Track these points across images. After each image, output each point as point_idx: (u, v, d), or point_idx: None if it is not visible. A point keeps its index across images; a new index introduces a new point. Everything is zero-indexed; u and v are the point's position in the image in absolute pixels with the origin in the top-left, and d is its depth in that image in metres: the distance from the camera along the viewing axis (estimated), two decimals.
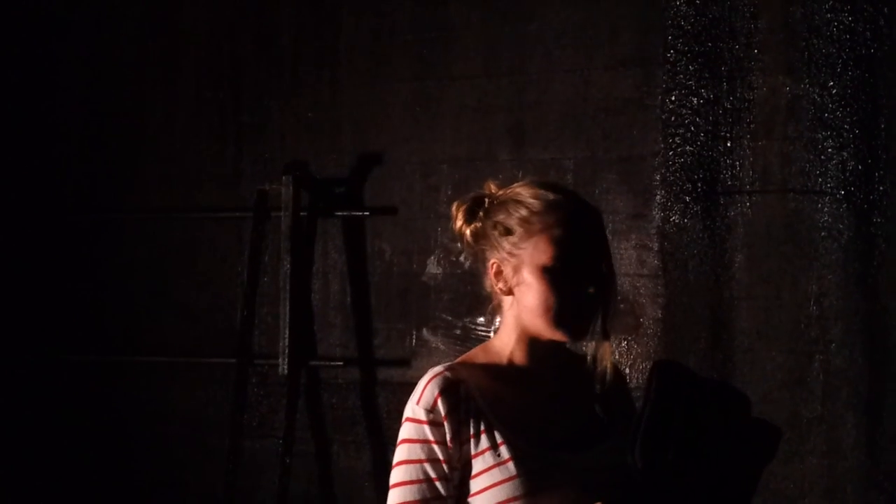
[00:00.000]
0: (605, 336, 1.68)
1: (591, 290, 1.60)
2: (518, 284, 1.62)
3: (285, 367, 3.16)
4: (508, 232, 1.63)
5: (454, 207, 1.71)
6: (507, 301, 1.66)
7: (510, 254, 1.62)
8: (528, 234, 1.61)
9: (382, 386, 3.24)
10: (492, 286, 1.68)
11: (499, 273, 1.65)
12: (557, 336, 1.62)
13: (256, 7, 3.41)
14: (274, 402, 3.31)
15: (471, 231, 1.69)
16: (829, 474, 2.84)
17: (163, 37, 3.49)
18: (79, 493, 3.45)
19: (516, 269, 1.62)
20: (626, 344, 3.00)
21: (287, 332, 3.16)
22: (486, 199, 1.69)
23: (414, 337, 3.22)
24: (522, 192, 1.65)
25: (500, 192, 1.69)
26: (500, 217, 1.65)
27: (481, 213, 1.68)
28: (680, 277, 2.97)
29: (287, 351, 3.16)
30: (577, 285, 1.59)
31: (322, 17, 3.34)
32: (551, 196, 1.63)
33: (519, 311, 1.64)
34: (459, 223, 1.70)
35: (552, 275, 1.59)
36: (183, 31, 3.47)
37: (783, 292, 2.89)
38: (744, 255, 2.93)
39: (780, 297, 2.89)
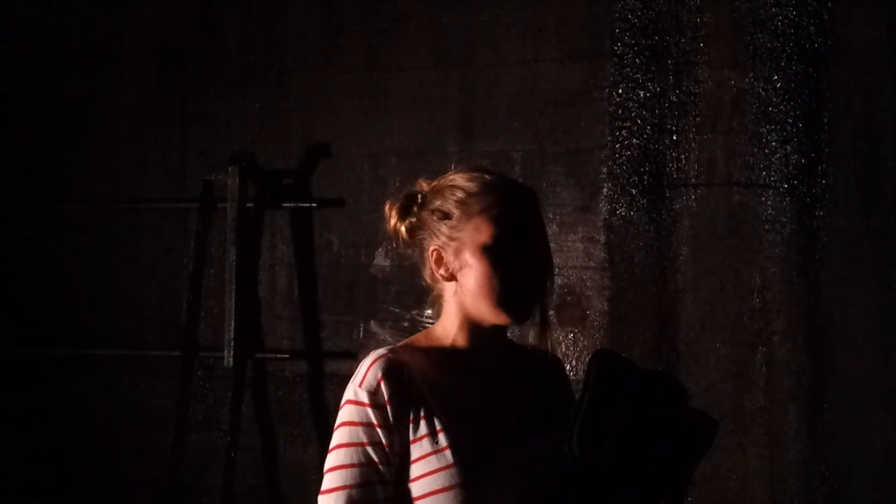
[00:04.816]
0: (545, 321, 1.68)
1: (532, 267, 1.59)
2: (460, 268, 1.61)
3: (231, 359, 3.13)
4: (446, 216, 1.62)
5: (387, 207, 1.70)
6: (449, 288, 1.65)
7: (450, 238, 1.62)
8: (467, 215, 1.60)
9: (329, 379, 3.22)
10: (432, 275, 1.67)
11: (440, 259, 1.64)
12: (500, 318, 1.61)
13: None
14: (219, 395, 3.28)
15: (406, 227, 1.68)
16: (771, 465, 2.87)
17: (108, 23, 3.43)
18: (20, 485, 3.39)
19: (457, 253, 1.61)
20: (573, 336, 3.01)
21: (233, 324, 3.13)
22: (419, 195, 1.69)
23: (361, 329, 3.20)
24: (457, 177, 1.65)
25: (435, 183, 1.68)
26: (437, 203, 1.64)
27: (415, 208, 1.67)
28: (626, 270, 2.99)
29: (233, 343, 3.13)
30: (518, 264, 1.59)
31: (270, 6, 3.31)
32: (487, 177, 1.63)
33: (462, 295, 1.62)
34: (394, 221, 1.69)
35: (493, 254, 1.58)
36: (129, 19, 3.42)
37: (727, 285, 2.91)
38: (689, 247, 2.94)
39: (724, 289, 2.91)
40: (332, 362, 3.22)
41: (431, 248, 1.64)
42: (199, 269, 3.27)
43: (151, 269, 3.37)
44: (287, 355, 3.23)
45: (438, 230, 1.63)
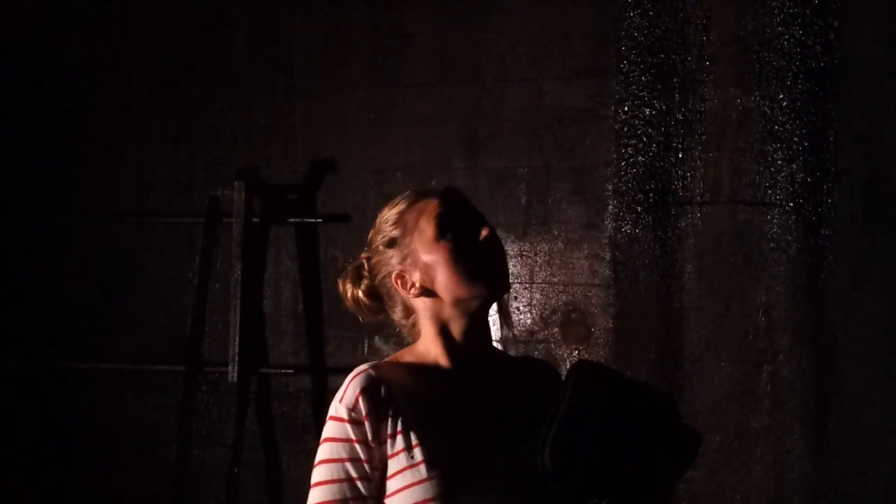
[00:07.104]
0: (501, 305, 1.76)
1: (488, 234, 1.63)
2: (424, 274, 1.63)
3: (235, 374, 3.13)
4: (392, 242, 1.66)
5: (339, 285, 1.75)
6: (421, 304, 1.66)
7: (403, 257, 1.64)
8: (408, 228, 1.64)
9: (333, 394, 3.20)
10: (403, 306, 1.69)
11: (404, 281, 1.65)
12: (481, 292, 1.62)
13: (210, 10, 3.38)
14: (223, 410, 3.28)
15: (363, 289, 1.72)
16: (776, 484, 2.86)
17: (115, 38, 3.45)
18: (22, 499, 3.39)
19: (415, 262, 1.63)
20: (577, 353, 3.01)
21: (237, 339, 3.13)
22: (364, 260, 1.73)
23: (366, 345, 3.20)
24: (383, 212, 1.70)
25: (369, 238, 1.72)
26: (378, 242, 1.68)
27: (364, 271, 1.72)
28: (631, 287, 2.98)
29: (237, 358, 3.13)
30: (474, 237, 1.62)
31: (277, 22, 3.32)
32: (407, 192, 1.70)
33: (436, 301, 1.64)
34: (350, 291, 1.73)
35: (446, 238, 1.61)
36: (136, 33, 3.44)
37: (732, 303, 2.91)
38: (694, 265, 2.94)
39: (729, 307, 2.91)
40: (337, 378, 3.21)
41: (394, 277, 1.66)
42: (204, 284, 3.27)
43: (156, 283, 3.38)
44: (291, 370, 3.23)
45: (391, 259, 1.66)
